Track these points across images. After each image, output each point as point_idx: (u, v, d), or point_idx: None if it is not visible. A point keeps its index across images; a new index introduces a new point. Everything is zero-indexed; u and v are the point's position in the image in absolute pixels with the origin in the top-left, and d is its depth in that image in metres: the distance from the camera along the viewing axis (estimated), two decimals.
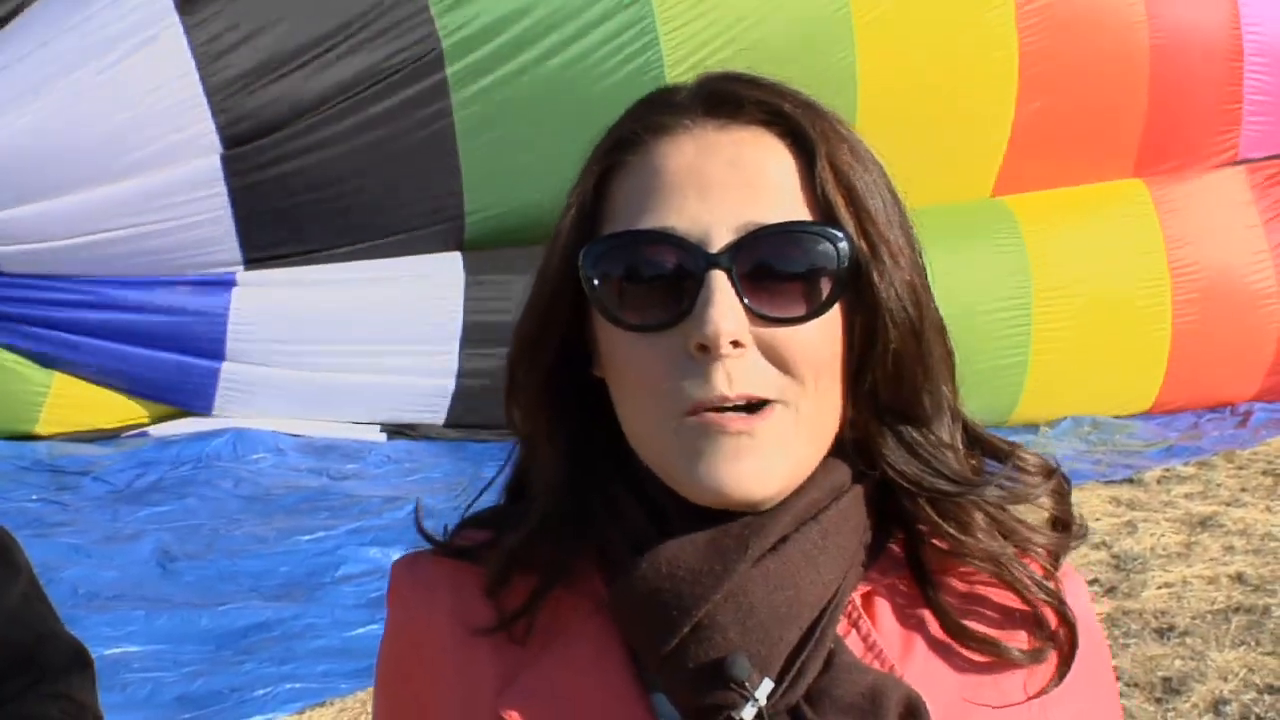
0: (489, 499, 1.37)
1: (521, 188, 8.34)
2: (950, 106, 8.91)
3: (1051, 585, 1.16)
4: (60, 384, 7.89)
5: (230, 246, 8.08)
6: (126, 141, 7.62)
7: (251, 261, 8.16)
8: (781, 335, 1.07)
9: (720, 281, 1.05)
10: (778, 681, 1.06)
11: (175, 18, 7.65)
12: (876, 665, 1.09)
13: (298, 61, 7.92)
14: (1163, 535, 7.05)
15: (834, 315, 1.09)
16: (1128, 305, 9.36)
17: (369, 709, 4.90)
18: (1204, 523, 7.27)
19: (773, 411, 1.07)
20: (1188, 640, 5.66)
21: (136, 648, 5.16)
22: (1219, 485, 8.04)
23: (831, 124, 1.13)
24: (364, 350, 8.50)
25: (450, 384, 8.68)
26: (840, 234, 1.08)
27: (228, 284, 8.20)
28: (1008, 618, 1.15)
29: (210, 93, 7.75)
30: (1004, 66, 9.06)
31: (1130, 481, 8.07)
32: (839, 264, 1.08)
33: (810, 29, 8.49)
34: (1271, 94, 9.57)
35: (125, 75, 7.63)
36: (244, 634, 5.51)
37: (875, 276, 1.09)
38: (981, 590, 1.16)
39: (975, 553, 1.14)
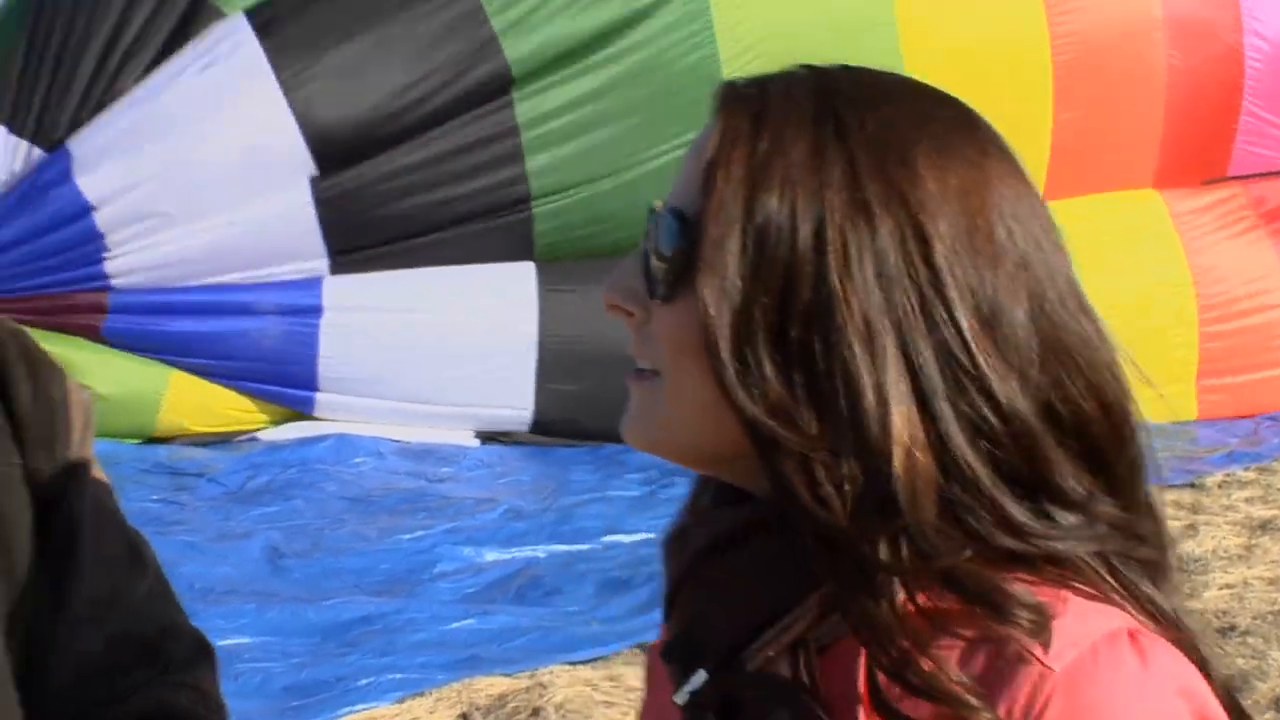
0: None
1: (585, 177, 8.44)
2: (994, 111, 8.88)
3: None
4: (174, 391, 8.01)
5: (318, 250, 8.24)
6: (228, 175, 7.87)
7: (337, 263, 8.30)
8: (655, 311, 1.08)
9: (637, 255, 1.09)
10: (713, 673, 1.05)
11: (269, 69, 7.93)
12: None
13: (384, 101, 8.14)
14: (1224, 538, 6.94)
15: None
16: (1154, 310, 9.19)
17: (464, 698, 4.95)
18: (1264, 526, 7.15)
19: (649, 380, 1.09)
20: (1249, 640, 5.57)
21: (248, 639, 5.22)
22: (1279, 490, 7.92)
23: (800, 114, 1.04)
24: (447, 364, 8.57)
25: (530, 390, 8.74)
26: (676, 220, 1.06)
27: (316, 310, 8.31)
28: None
29: (302, 127, 7.97)
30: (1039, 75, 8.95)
31: (1191, 486, 7.94)
32: (672, 249, 1.06)
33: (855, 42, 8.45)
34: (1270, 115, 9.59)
35: (226, 117, 7.91)
36: (348, 627, 5.55)
37: (699, 273, 1.03)
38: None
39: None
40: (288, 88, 7.98)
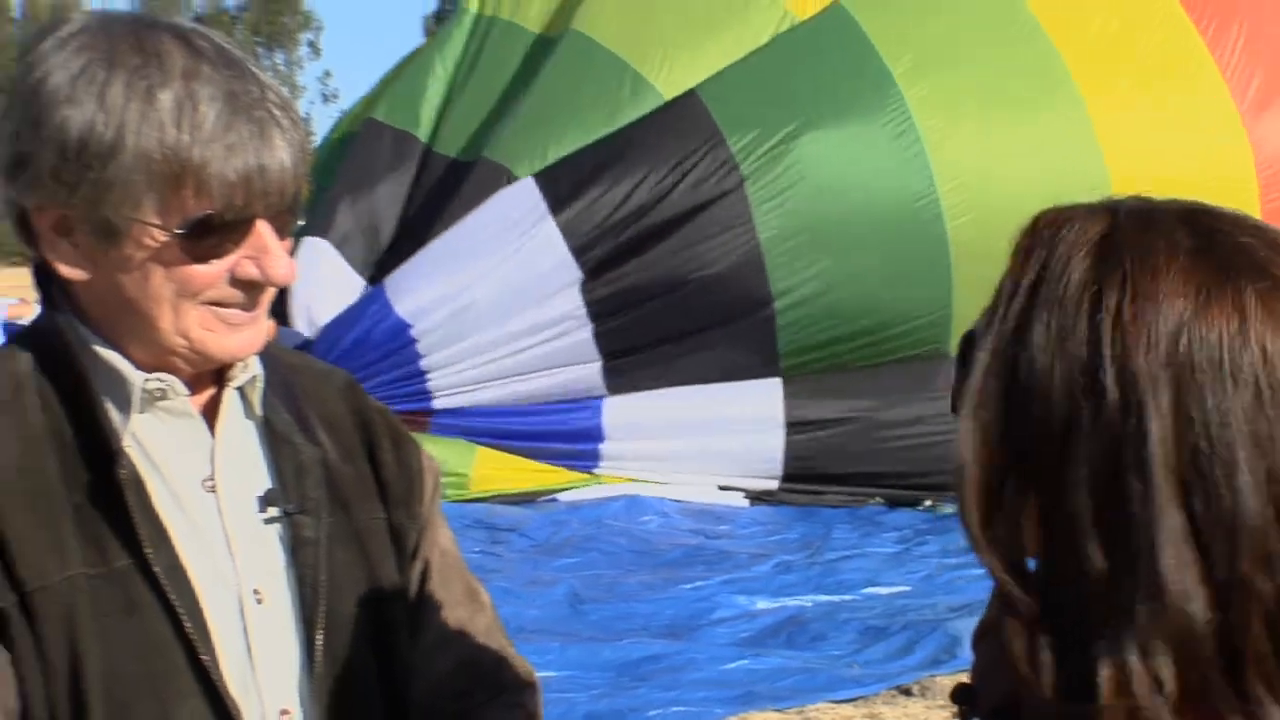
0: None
1: (822, 281, 8.47)
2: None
3: None
4: (479, 465, 8.38)
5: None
6: (518, 303, 8.29)
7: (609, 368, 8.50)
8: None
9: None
10: None
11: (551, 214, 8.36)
12: None
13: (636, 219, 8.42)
14: None
15: None
16: None
17: None
18: None
19: None
20: None
21: (553, 673, 5.32)
22: None
23: None
24: (707, 441, 8.72)
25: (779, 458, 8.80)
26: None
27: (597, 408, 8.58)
28: None
29: (574, 252, 8.35)
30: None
31: None
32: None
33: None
34: None
35: (517, 255, 8.34)
36: (638, 664, 5.62)
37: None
38: None
39: None
40: (557, 215, 8.38)
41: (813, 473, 8.80)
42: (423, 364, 8.31)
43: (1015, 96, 8.63)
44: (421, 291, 8.32)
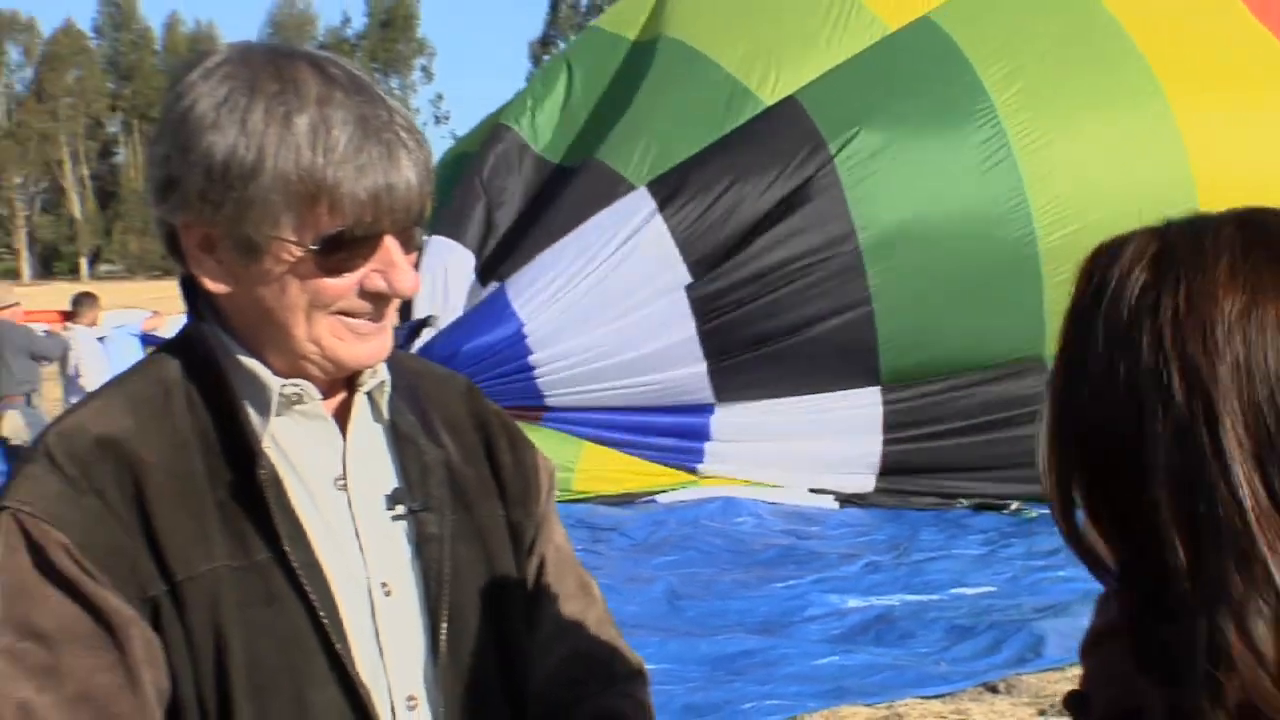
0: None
1: (917, 283, 8.39)
2: None
3: None
4: (585, 460, 8.41)
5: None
6: (627, 303, 8.33)
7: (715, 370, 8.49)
8: None
9: None
10: None
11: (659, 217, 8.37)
12: None
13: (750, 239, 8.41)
14: None
15: None
16: None
17: None
18: None
19: None
20: None
21: (652, 666, 5.27)
22: None
23: None
24: (807, 443, 8.69)
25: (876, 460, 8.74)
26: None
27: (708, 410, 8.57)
28: None
29: (690, 269, 8.36)
30: None
31: None
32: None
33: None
34: None
35: (626, 265, 8.40)
36: (733, 659, 5.60)
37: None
38: None
39: None
40: (667, 219, 8.40)
41: (907, 473, 8.76)
42: (532, 359, 8.39)
43: (1101, 101, 8.50)
44: (536, 293, 8.40)
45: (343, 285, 1.16)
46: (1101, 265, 0.93)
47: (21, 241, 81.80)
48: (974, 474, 8.70)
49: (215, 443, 1.18)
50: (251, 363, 1.20)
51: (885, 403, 8.60)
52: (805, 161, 8.42)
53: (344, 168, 1.11)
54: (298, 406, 1.21)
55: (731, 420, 8.57)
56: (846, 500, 8.79)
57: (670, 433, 8.62)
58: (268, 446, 1.18)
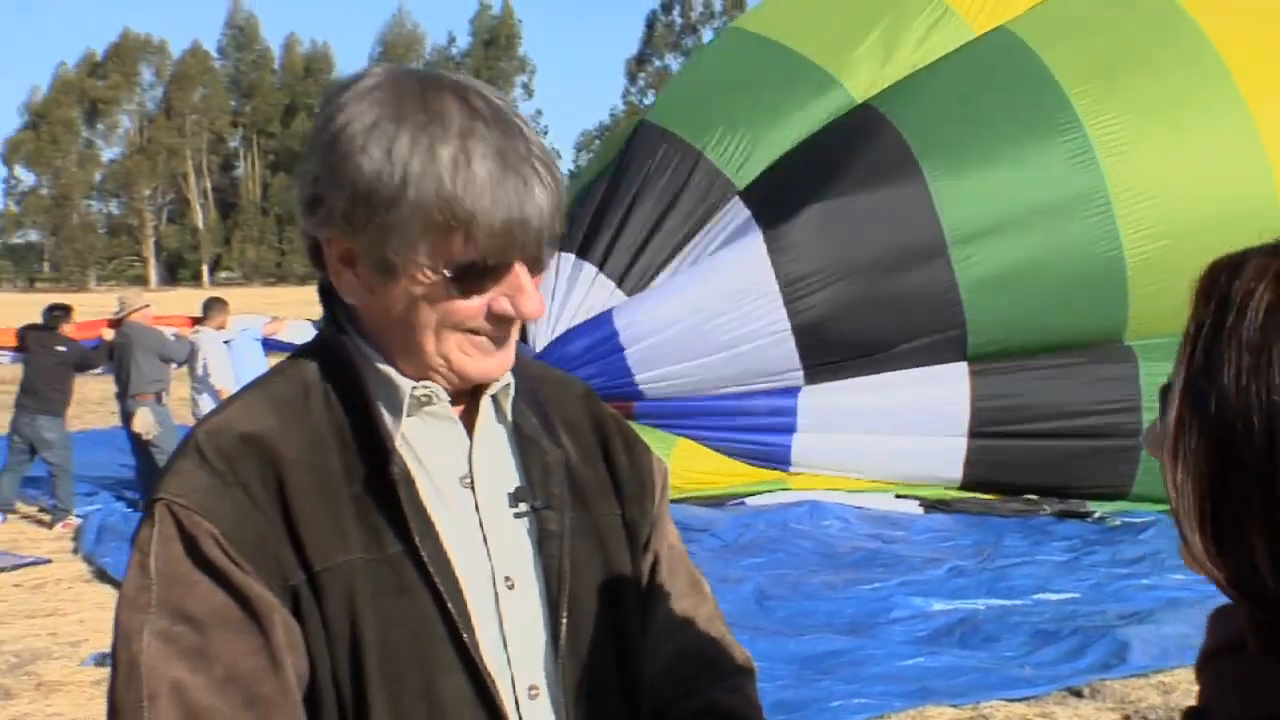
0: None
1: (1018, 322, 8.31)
2: None
3: None
4: (676, 459, 8.41)
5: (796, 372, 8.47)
6: (725, 322, 8.38)
7: (809, 375, 8.49)
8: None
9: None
10: None
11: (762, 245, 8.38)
12: None
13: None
14: None
15: None
16: None
17: None
18: None
19: None
20: None
21: None
22: None
23: None
24: (894, 428, 8.63)
25: (961, 454, 8.62)
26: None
27: (794, 392, 8.58)
28: None
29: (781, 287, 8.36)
30: None
31: None
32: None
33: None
34: None
35: (725, 281, 8.44)
36: (821, 659, 5.56)
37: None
38: None
39: None
40: (770, 249, 8.41)
41: (993, 472, 8.65)
42: (622, 340, 8.47)
43: (1184, 110, 8.35)
44: (643, 320, 8.56)
45: (472, 307, 1.18)
46: (1221, 285, 0.89)
47: (149, 250, 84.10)
48: (1061, 478, 8.58)
49: (350, 441, 1.20)
50: (385, 367, 1.22)
51: (972, 373, 8.50)
52: (890, 176, 8.39)
53: (481, 201, 1.12)
54: (427, 408, 1.23)
55: (818, 403, 8.52)
56: (931, 506, 8.69)
57: (758, 428, 8.61)
58: (399, 445, 1.20)
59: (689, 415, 8.57)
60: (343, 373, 1.22)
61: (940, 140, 8.42)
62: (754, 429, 8.60)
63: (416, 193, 1.12)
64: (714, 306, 8.33)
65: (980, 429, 8.54)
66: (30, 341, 9.73)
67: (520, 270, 1.18)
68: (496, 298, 1.18)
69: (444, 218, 1.13)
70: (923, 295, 8.29)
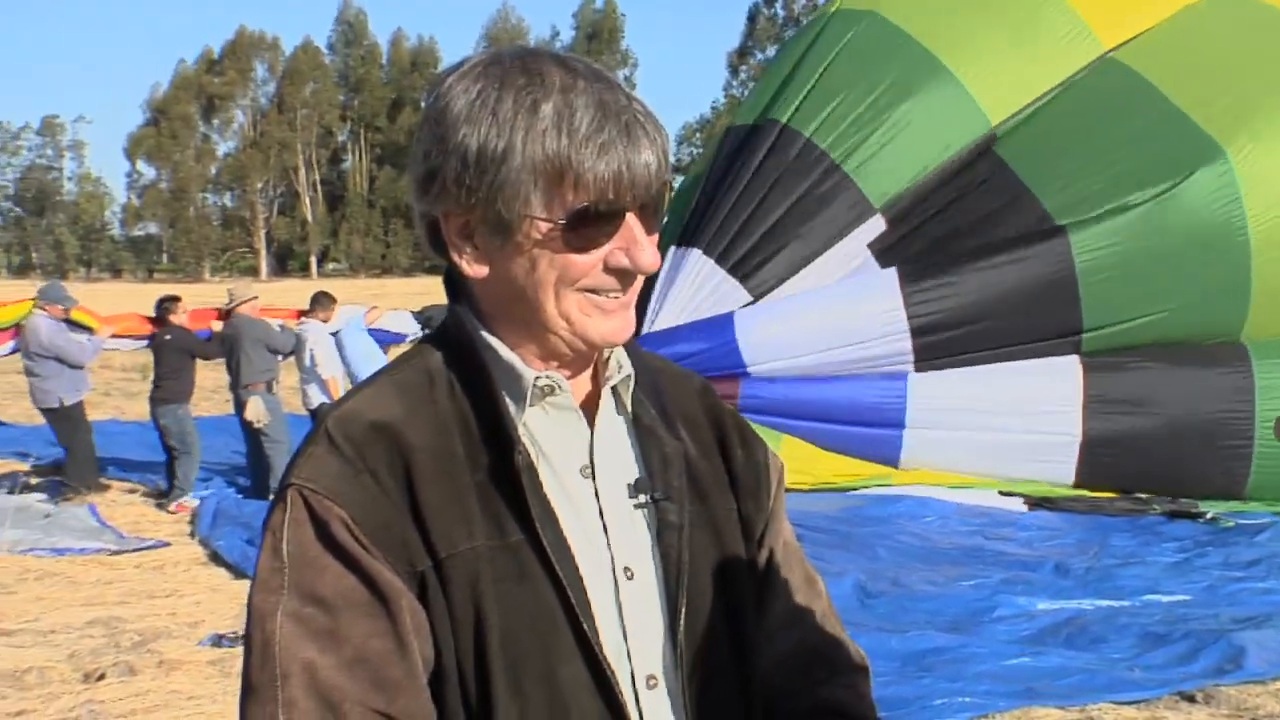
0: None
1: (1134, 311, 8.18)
2: None
3: None
4: (785, 448, 8.38)
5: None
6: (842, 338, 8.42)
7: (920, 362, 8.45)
8: None
9: None
10: None
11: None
12: None
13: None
14: None
15: None
16: None
17: None
18: None
19: None
20: None
21: None
22: None
23: None
24: (1006, 424, 8.52)
25: (1075, 449, 8.47)
26: None
27: (903, 378, 8.55)
28: None
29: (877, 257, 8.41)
30: None
31: None
32: None
33: None
34: None
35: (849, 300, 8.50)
36: (922, 655, 5.49)
37: None
38: None
39: None
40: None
41: (1104, 471, 8.49)
42: (735, 329, 8.51)
43: None
44: (766, 324, 8.61)
45: (589, 261, 1.19)
46: None
47: (261, 241, 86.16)
48: (1175, 475, 8.39)
49: (474, 429, 1.21)
50: (509, 355, 1.23)
51: (1086, 368, 8.36)
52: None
53: (586, 147, 1.15)
54: (550, 398, 1.24)
55: (928, 394, 8.45)
56: (1036, 504, 8.53)
57: (866, 420, 8.55)
58: (522, 434, 1.21)
59: (796, 405, 8.57)
60: (467, 361, 1.24)
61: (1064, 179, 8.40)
62: (862, 422, 8.56)
63: (523, 146, 1.15)
64: (836, 329, 8.36)
65: (1093, 427, 8.40)
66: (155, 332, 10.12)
67: (633, 222, 1.19)
68: (612, 251, 1.19)
69: (552, 167, 1.15)
70: (1037, 283, 8.23)
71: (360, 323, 11.15)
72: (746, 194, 8.95)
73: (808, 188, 8.85)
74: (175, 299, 10.28)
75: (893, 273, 8.44)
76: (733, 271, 8.79)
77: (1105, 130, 8.52)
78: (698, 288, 8.79)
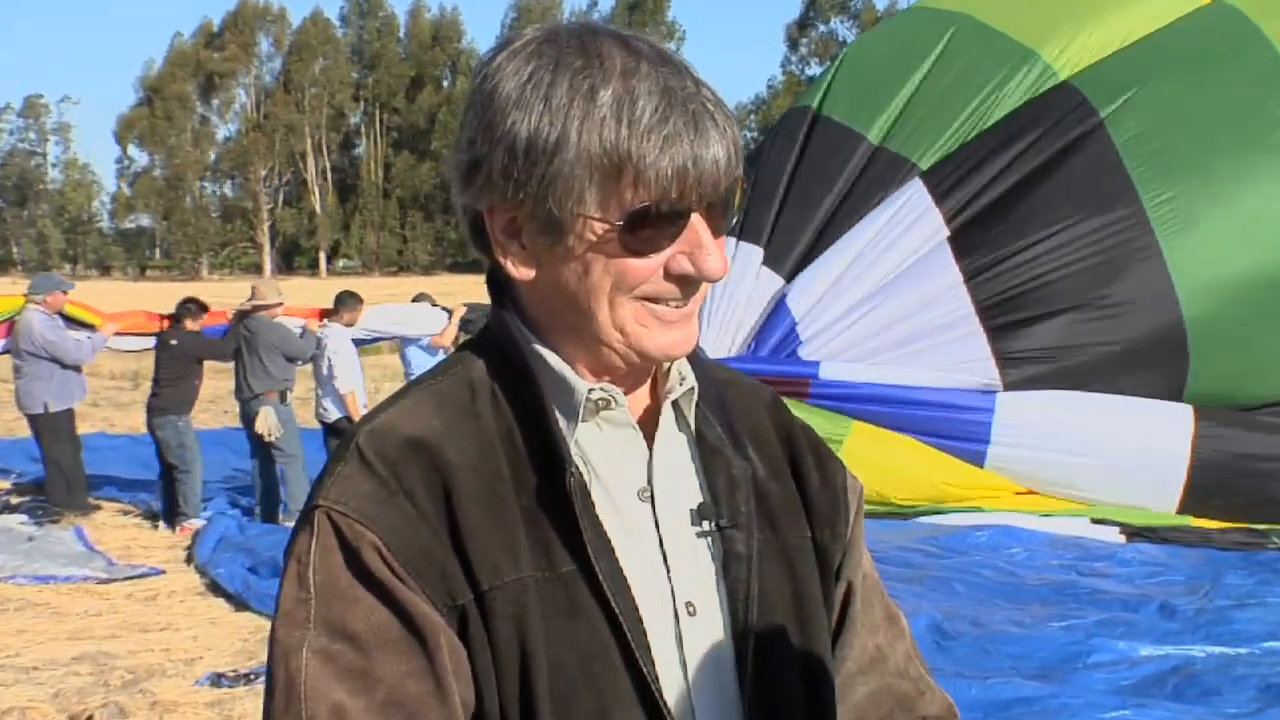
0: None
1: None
2: None
3: None
4: (854, 436, 8.39)
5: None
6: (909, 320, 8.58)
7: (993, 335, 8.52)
8: None
9: None
10: None
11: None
12: None
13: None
14: None
15: None
16: None
17: None
18: None
19: None
20: None
21: None
22: None
23: None
24: (1099, 455, 8.50)
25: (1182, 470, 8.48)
26: None
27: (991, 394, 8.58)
28: None
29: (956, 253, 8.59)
30: None
31: None
32: None
33: None
34: None
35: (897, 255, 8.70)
36: (1007, 706, 5.42)
37: None
38: None
39: None
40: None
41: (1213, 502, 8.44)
42: (799, 328, 8.60)
43: None
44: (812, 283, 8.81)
45: (648, 267, 1.18)
46: None
47: (264, 235, 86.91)
48: None
49: (521, 446, 1.21)
50: (560, 365, 1.23)
51: (1199, 421, 8.37)
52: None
53: (649, 139, 1.13)
54: (604, 413, 1.23)
55: (1018, 413, 8.46)
56: (1135, 534, 8.44)
57: (948, 433, 8.57)
58: (574, 452, 1.21)
59: (868, 401, 8.64)
60: (513, 371, 1.24)
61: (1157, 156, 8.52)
62: (945, 434, 8.59)
63: (578, 137, 1.14)
64: (892, 288, 8.59)
65: (1203, 445, 8.41)
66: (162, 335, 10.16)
67: (699, 223, 1.18)
68: (674, 256, 1.18)
69: (610, 161, 1.14)
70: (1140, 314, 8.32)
71: (425, 341, 11.10)
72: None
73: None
74: (201, 305, 10.26)
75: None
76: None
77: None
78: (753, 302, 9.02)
